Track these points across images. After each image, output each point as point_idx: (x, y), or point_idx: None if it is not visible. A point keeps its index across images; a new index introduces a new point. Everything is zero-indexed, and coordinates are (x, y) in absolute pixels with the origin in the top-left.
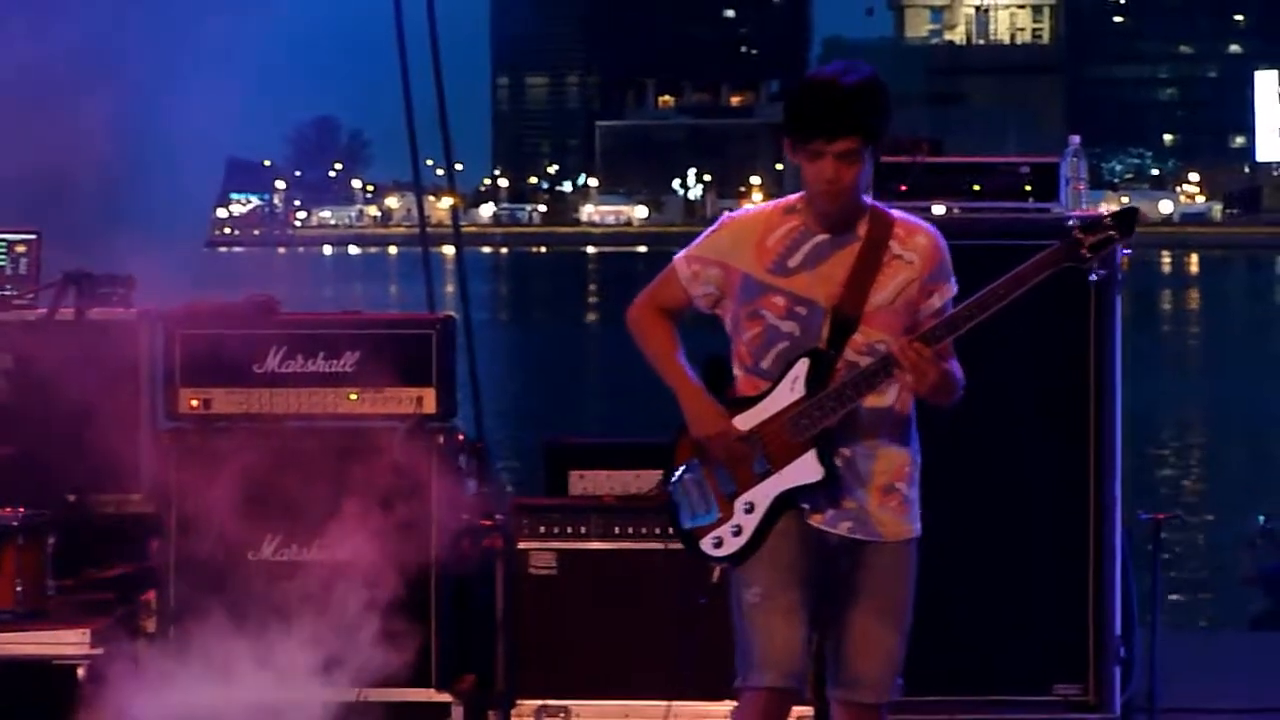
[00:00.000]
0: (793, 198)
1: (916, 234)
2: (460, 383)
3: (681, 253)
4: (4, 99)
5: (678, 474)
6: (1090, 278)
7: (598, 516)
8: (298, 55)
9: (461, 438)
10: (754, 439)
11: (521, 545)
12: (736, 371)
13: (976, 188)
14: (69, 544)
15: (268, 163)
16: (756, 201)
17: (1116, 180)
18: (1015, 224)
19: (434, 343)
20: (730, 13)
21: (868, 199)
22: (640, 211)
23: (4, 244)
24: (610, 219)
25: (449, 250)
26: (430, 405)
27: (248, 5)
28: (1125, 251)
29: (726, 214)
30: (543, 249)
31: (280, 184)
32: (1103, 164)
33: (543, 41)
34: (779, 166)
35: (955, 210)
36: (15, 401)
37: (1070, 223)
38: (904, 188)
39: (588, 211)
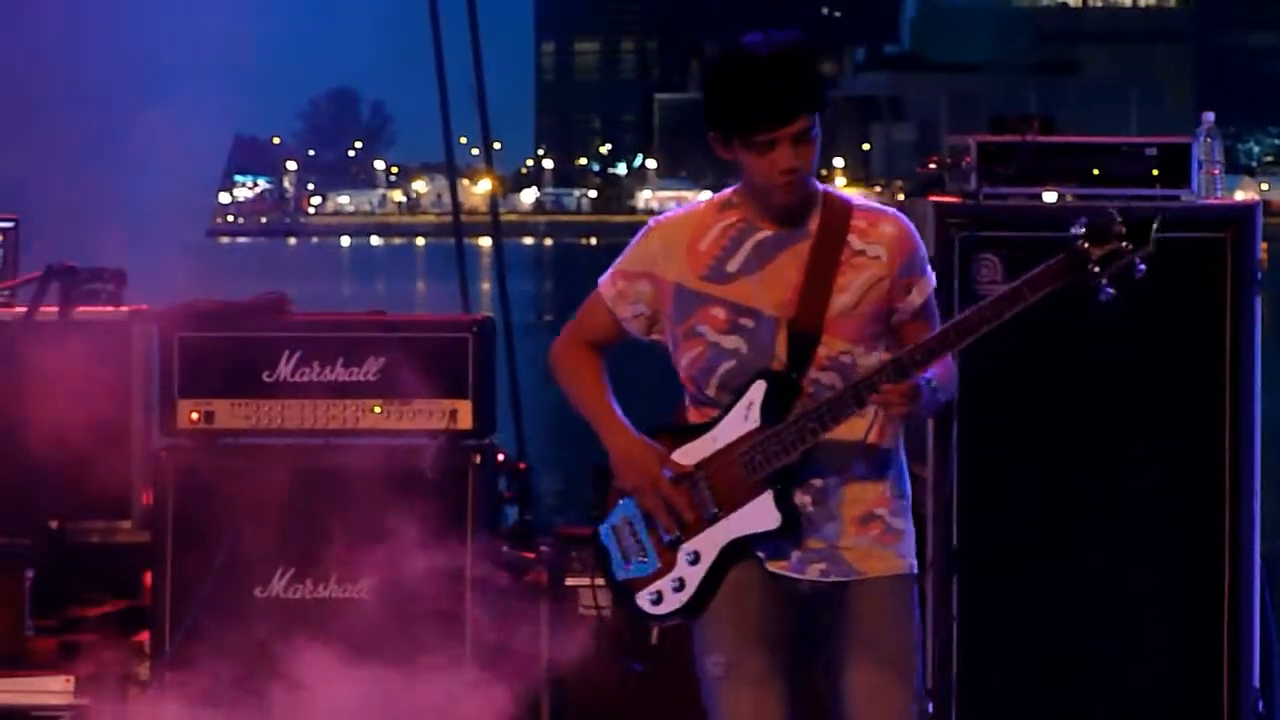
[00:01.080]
0: (727, 191)
1: (881, 223)
2: (499, 394)
3: (607, 271)
4: None
5: (611, 515)
6: (1100, 297)
7: None
8: (312, 19)
9: (501, 457)
10: (699, 477)
11: (569, 581)
12: (685, 402)
13: (1096, 172)
14: (50, 578)
15: (277, 140)
16: (840, 187)
17: (1255, 164)
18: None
19: (470, 348)
20: None
21: (818, 184)
22: (705, 197)
23: None
24: (671, 206)
25: (485, 242)
26: (465, 420)
27: None
28: (1141, 267)
29: (653, 218)
30: (593, 240)
31: (291, 165)
32: (1239, 145)
33: (594, 2)
34: (865, 146)
35: (1069, 198)
36: None
37: (1075, 229)
38: (1012, 171)
39: (645, 197)
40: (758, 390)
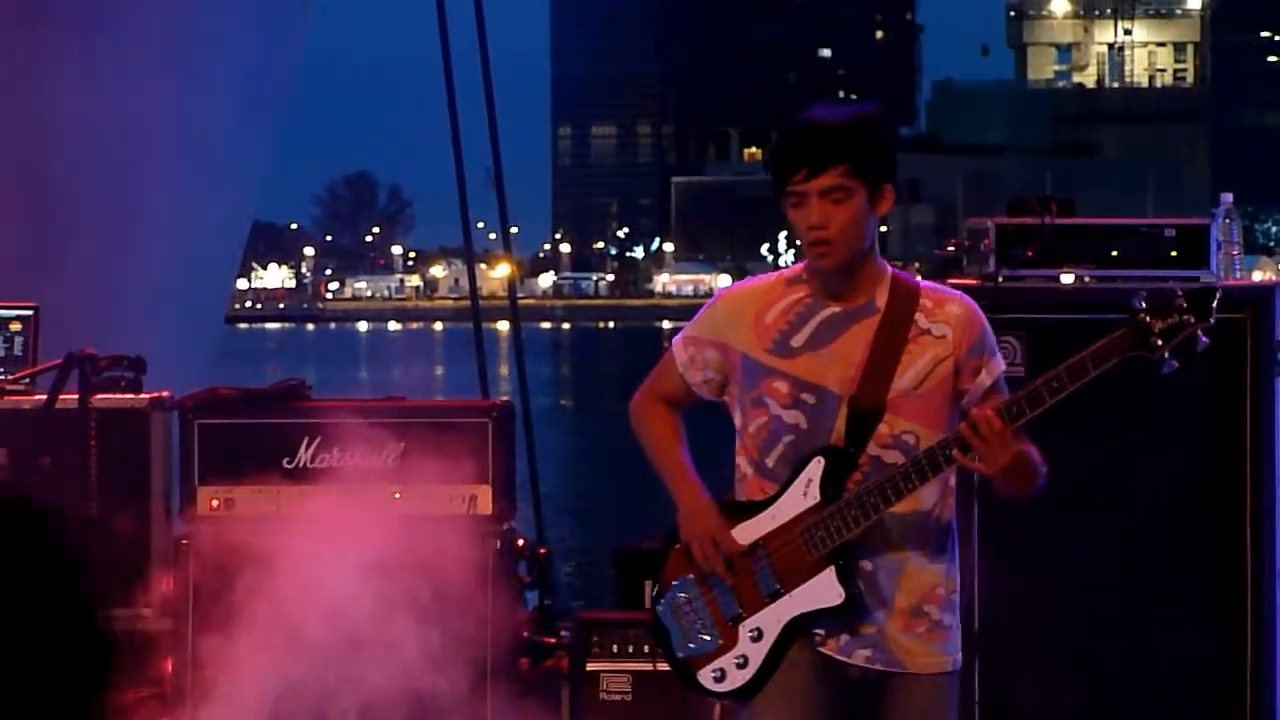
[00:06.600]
0: (798, 266)
1: (948, 303)
2: (519, 479)
3: (680, 334)
4: None
5: (670, 593)
6: (1162, 370)
7: None
8: (330, 103)
9: (521, 542)
10: (758, 552)
11: (591, 666)
12: (745, 469)
13: (1114, 253)
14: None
15: (294, 226)
16: None
17: (1273, 244)
18: None
19: (489, 433)
20: (826, 52)
21: (886, 265)
22: (723, 281)
23: None
24: (688, 289)
25: (503, 326)
26: (485, 505)
27: (270, 48)
28: (1204, 340)
29: (722, 286)
30: (611, 324)
31: (309, 250)
32: (1256, 225)
33: (611, 86)
34: (883, 228)
35: (1088, 279)
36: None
37: (1136, 302)
38: (1030, 253)
39: (662, 281)
40: (816, 467)
